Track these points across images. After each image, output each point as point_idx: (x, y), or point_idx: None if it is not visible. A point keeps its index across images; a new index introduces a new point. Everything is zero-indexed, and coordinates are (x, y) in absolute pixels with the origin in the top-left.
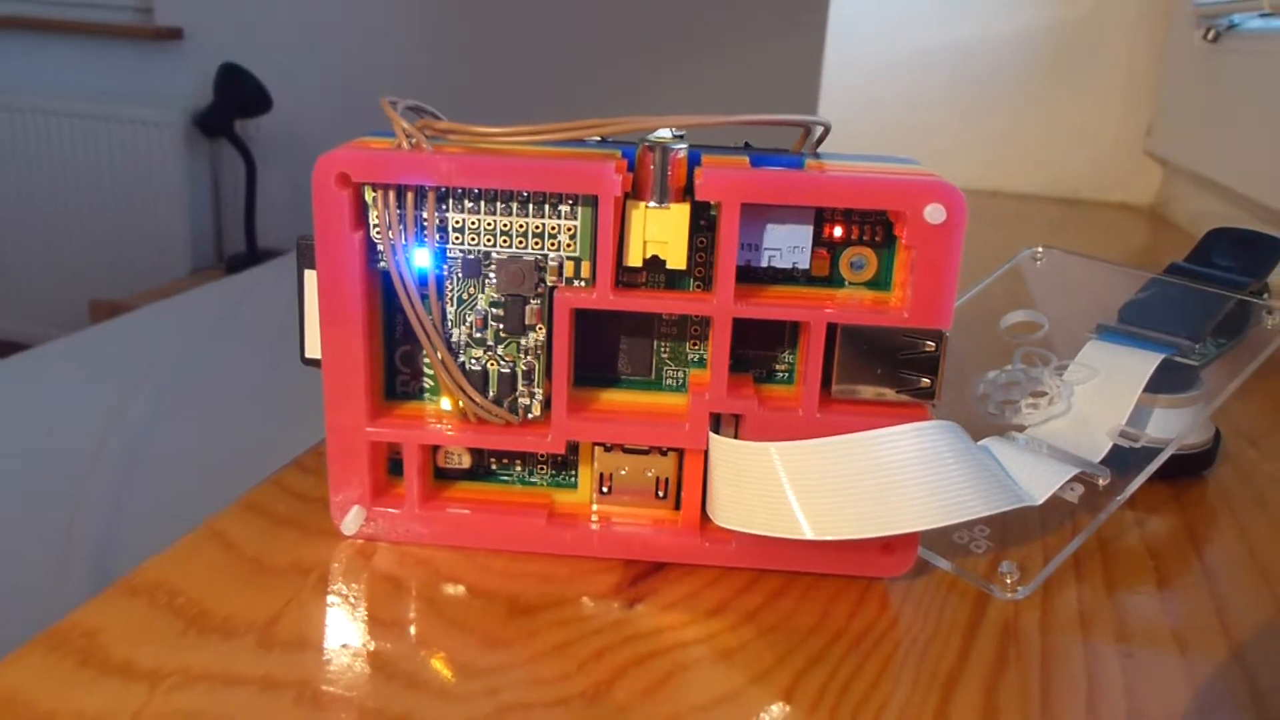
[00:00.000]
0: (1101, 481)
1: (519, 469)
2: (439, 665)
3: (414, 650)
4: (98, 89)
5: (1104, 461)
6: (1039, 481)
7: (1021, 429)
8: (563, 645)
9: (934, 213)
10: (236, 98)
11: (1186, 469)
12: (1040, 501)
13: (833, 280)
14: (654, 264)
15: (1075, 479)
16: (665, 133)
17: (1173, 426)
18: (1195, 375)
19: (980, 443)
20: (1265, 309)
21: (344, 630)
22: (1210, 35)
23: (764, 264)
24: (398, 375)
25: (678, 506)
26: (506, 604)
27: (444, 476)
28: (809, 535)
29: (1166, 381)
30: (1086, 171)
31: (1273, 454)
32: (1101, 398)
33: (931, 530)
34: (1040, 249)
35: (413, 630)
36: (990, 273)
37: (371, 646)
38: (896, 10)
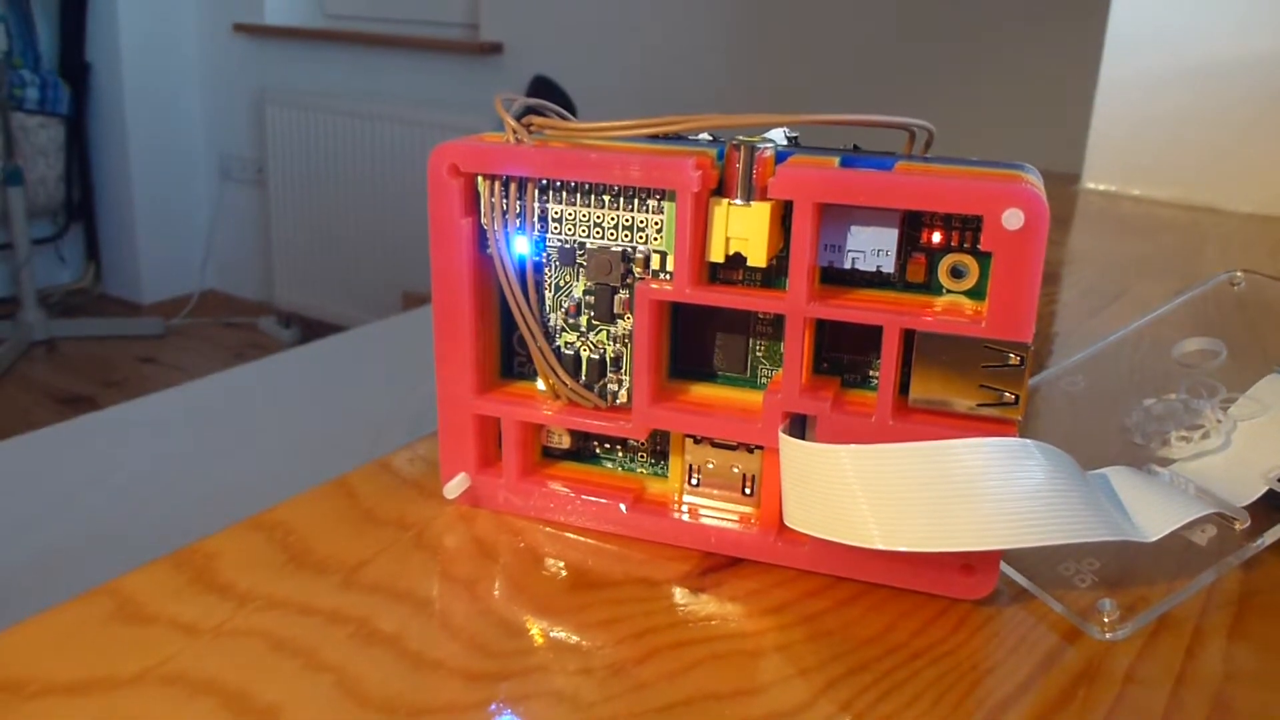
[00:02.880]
0: (1239, 525)
1: (620, 455)
2: (485, 623)
3: (468, 606)
4: (426, 98)
5: (1266, 505)
6: (1159, 517)
7: (1168, 462)
8: (609, 621)
9: (1012, 218)
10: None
11: None
12: (1153, 539)
13: (930, 287)
14: (741, 261)
15: (1209, 520)
16: (779, 132)
17: None
18: None
19: (1100, 470)
20: None
21: (417, 581)
22: None
23: (847, 265)
24: (515, 357)
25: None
26: (574, 577)
27: (551, 455)
28: (878, 544)
29: None
30: None
31: None
32: (1266, 437)
33: (1036, 558)
34: (1240, 273)
35: (477, 590)
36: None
37: (434, 598)
38: (1184, 20)
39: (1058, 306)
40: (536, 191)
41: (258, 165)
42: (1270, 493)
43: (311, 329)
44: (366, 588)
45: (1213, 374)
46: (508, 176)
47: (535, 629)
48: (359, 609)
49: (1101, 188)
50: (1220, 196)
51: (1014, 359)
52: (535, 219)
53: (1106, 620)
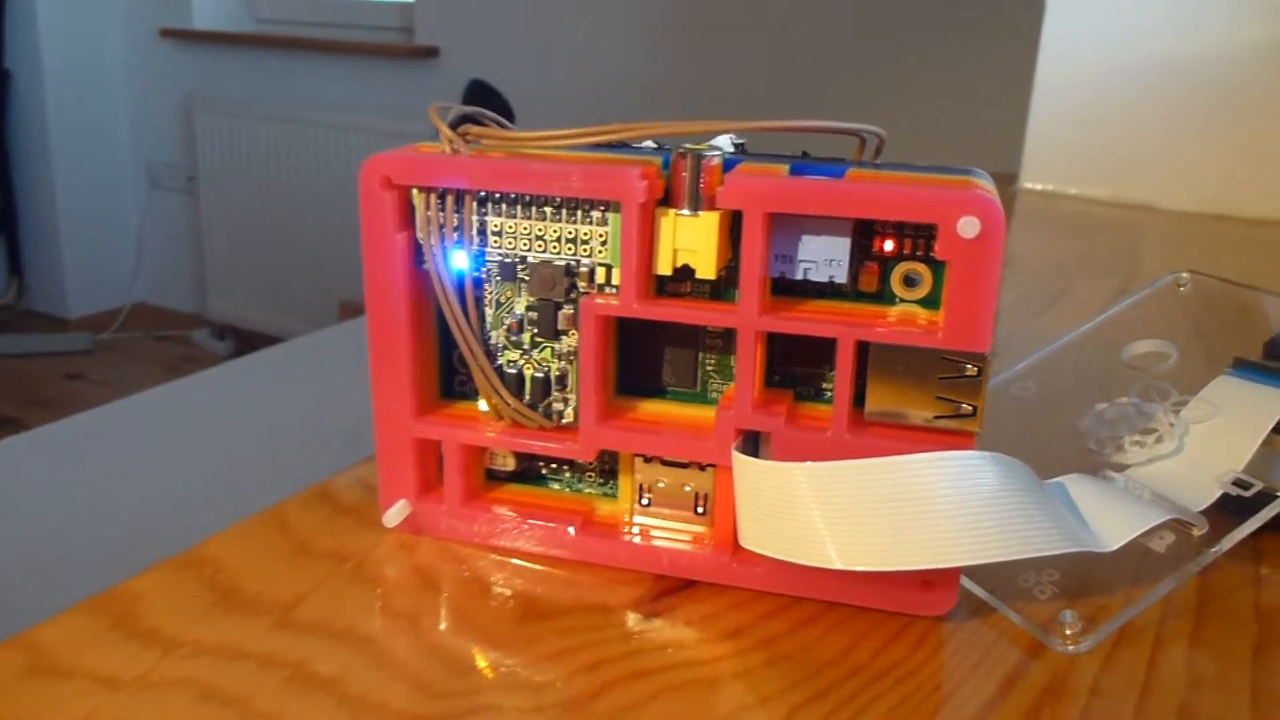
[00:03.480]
0: (1196, 531)
1: (568, 475)
2: (430, 661)
3: (413, 643)
4: (361, 103)
5: (1222, 510)
6: (1117, 526)
7: (1122, 468)
8: (560, 653)
9: (967, 226)
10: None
11: None
12: (1112, 548)
13: (883, 296)
14: (690, 273)
15: (1167, 527)
16: (726, 139)
17: None
18: None
19: (1057, 479)
20: None
21: (356, 617)
22: None
23: (799, 276)
24: (456, 376)
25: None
26: (523, 607)
27: (495, 478)
28: (836, 564)
29: None
30: None
31: None
32: (1219, 439)
33: (994, 570)
34: (1186, 273)
35: (420, 625)
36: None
37: (375, 635)
38: (1121, 21)
39: (1000, 309)
40: (475, 204)
41: (188, 173)
42: (1225, 496)
43: (247, 341)
44: (302, 627)
45: (1163, 376)
46: (444, 189)
47: (483, 664)
48: (295, 651)
49: (1039, 187)
50: (1155, 194)
51: (971, 370)
52: (474, 233)
53: (1069, 632)
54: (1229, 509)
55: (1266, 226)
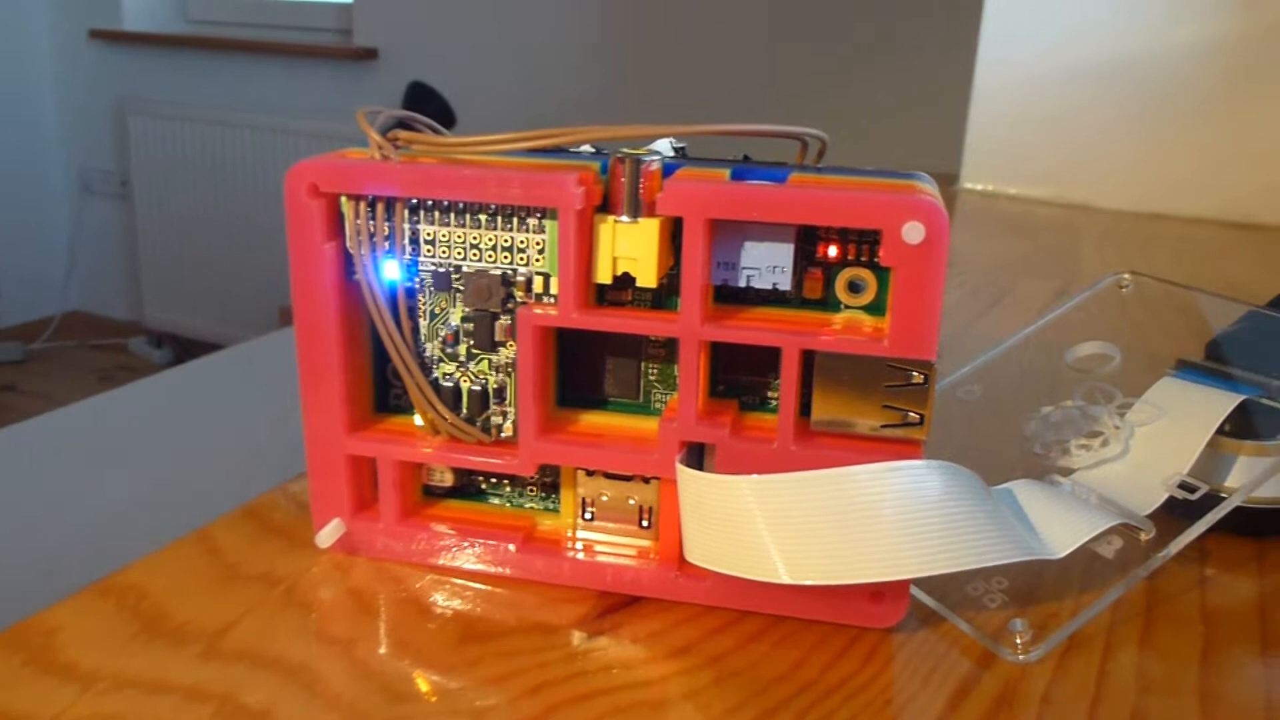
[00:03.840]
0: (1144, 536)
1: (508, 490)
2: (366, 688)
3: (348, 670)
4: (298, 106)
5: (1168, 513)
6: (1066, 532)
7: (1068, 472)
8: (503, 676)
9: (912, 231)
10: (423, 113)
11: (1278, 526)
12: (1060, 555)
13: (827, 303)
14: (630, 281)
15: (1115, 532)
16: (665, 143)
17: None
18: None
19: (1005, 485)
20: None
21: (288, 644)
22: None
23: (742, 284)
24: (390, 389)
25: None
26: (463, 628)
27: (433, 494)
28: (784, 579)
29: (1256, 426)
30: (1261, 194)
31: None
32: (1164, 441)
33: (943, 579)
34: (1128, 275)
35: (356, 651)
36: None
37: (308, 663)
38: (1058, 21)
39: (944, 310)
40: (406, 212)
41: (121, 178)
42: (1171, 499)
43: (186, 348)
44: (231, 656)
45: (1107, 378)
46: (374, 196)
47: (423, 690)
48: (222, 682)
49: (980, 187)
50: (1093, 194)
51: (918, 377)
52: (405, 242)
53: (1019, 641)
54: (1175, 511)
55: (1201, 225)
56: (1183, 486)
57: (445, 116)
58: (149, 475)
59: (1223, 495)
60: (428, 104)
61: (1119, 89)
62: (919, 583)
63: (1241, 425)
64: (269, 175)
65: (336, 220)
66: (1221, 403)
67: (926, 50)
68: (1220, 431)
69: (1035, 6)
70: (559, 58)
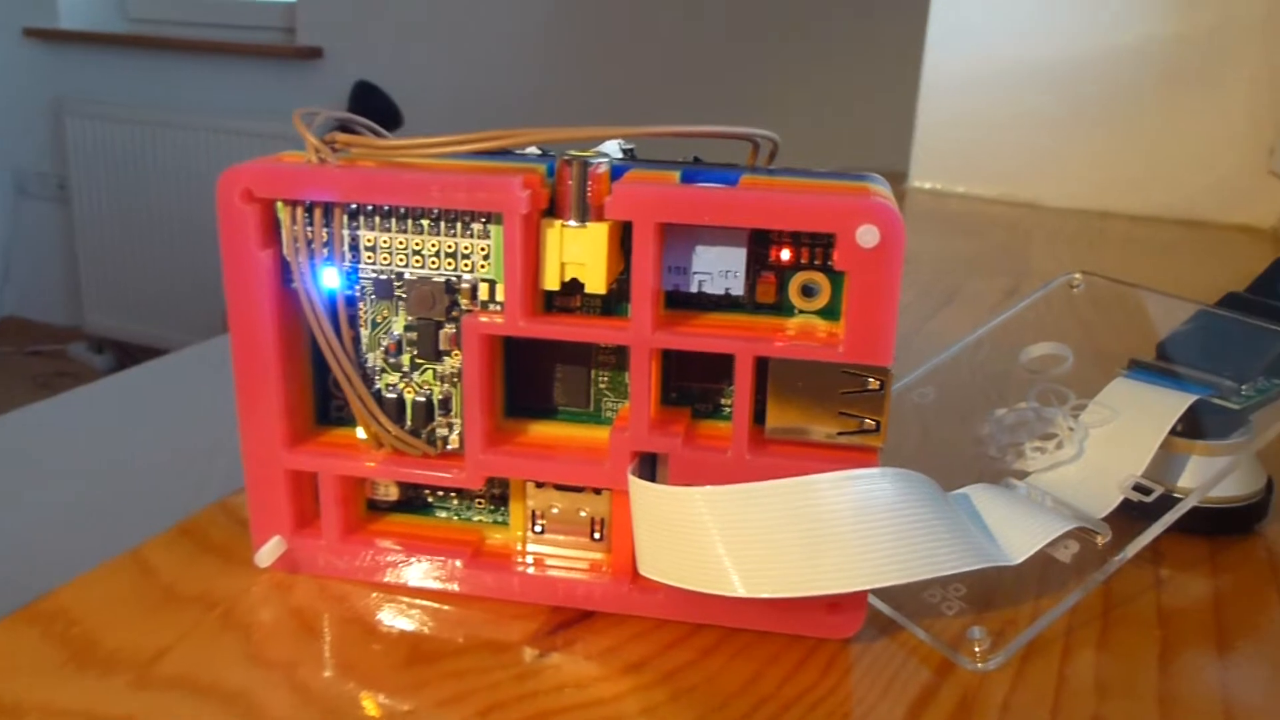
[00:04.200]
0: (1100, 539)
1: (455, 503)
2: (309, 713)
3: (290, 695)
4: (241, 106)
5: (1123, 514)
6: (1023, 538)
7: (1023, 475)
8: (451, 698)
9: (866, 235)
10: (369, 113)
11: (1231, 524)
12: (1017, 561)
13: (780, 307)
14: (579, 287)
15: (1071, 536)
16: (613, 145)
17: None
18: (1241, 419)
19: (961, 490)
20: None
21: (226, 669)
22: None
23: (694, 289)
24: (332, 401)
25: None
26: (409, 649)
27: (377, 509)
28: (740, 592)
29: (1208, 426)
30: (1206, 192)
31: None
32: (1118, 443)
33: (900, 586)
34: (1079, 275)
35: (298, 674)
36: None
37: (247, 689)
38: (1003, 21)
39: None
40: (345, 217)
41: (58, 181)
42: (1126, 501)
43: (128, 354)
44: (165, 683)
45: (1060, 379)
46: (311, 202)
47: (369, 714)
48: (157, 711)
49: (928, 186)
50: (1040, 192)
51: (873, 383)
52: (345, 248)
53: (978, 650)
54: (1130, 514)
55: (1148, 223)
56: (1137, 488)
57: (392, 117)
58: (83, 490)
59: (1177, 496)
60: (374, 104)
61: (1065, 88)
62: (876, 590)
63: (1193, 425)
64: (212, 177)
65: (272, 226)
66: (1174, 403)
67: (874, 49)
68: (1173, 432)
69: (980, 6)
70: (508, 58)
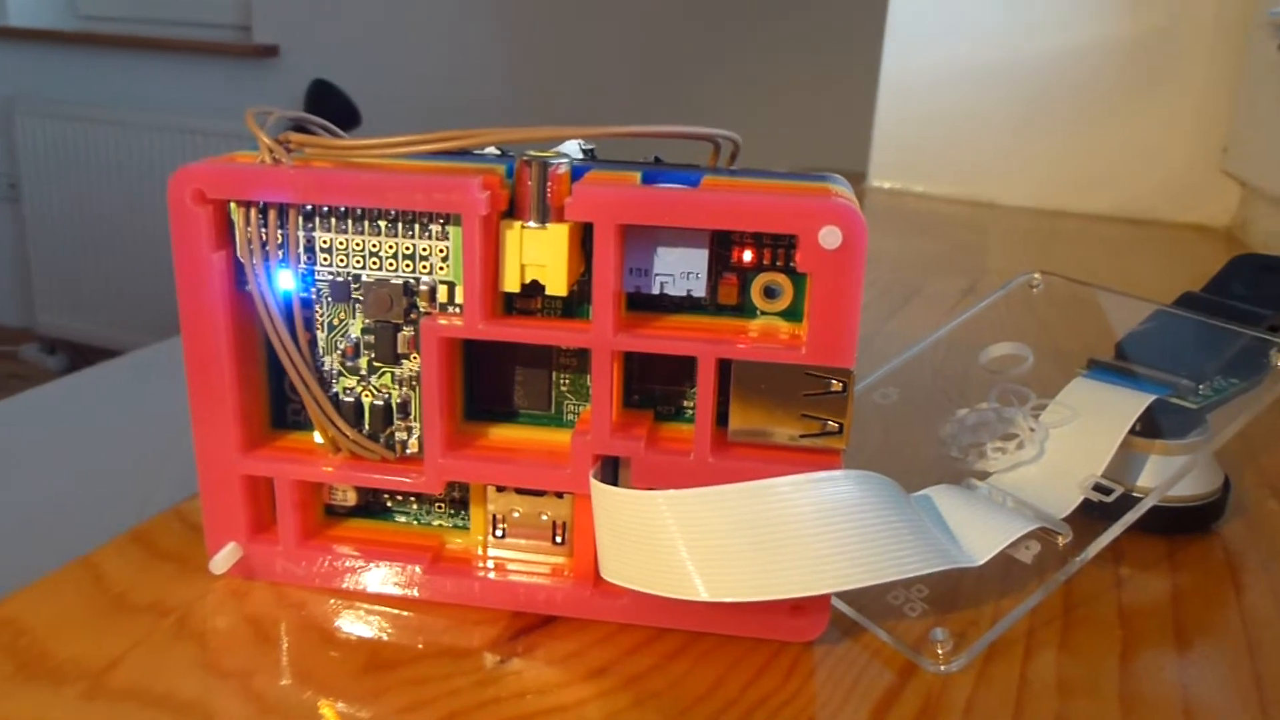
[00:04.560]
0: (1062, 540)
1: (415, 508)
2: None
3: (245, 705)
4: (196, 105)
5: (1084, 514)
6: (985, 538)
7: (985, 475)
8: (410, 706)
9: (829, 236)
10: (327, 113)
11: (1188, 523)
12: (980, 563)
13: (743, 309)
14: (539, 289)
15: (1033, 536)
16: (573, 145)
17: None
18: (1199, 419)
19: (924, 491)
20: (1275, 347)
21: (179, 679)
22: None
23: (655, 290)
24: (288, 404)
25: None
26: (367, 657)
27: (335, 514)
28: (704, 596)
29: (1166, 425)
30: (1159, 191)
31: None
32: (1078, 443)
33: (864, 588)
34: (1038, 275)
35: (254, 683)
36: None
37: (202, 699)
38: (959, 22)
39: None
40: (300, 219)
41: (9, 180)
42: (1086, 500)
43: (82, 355)
44: (117, 694)
45: (1020, 379)
46: (265, 203)
47: None
48: None
49: (887, 185)
50: (998, 192)
51: (836, 385)
52: (300, 250)
53: (940, 651)
54: (1091, 513)
55: (1101, 222)
56: (1097, 488)
57: (349, 117)
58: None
59: (1136, 495)
60: (331, 104)
61: (1021, 89)
62: (840, 593)
63: (1152, 425)
64: (165, 177)
65: (226, 228)
66: (1132, 403)
67: (833, 50)
68: (1131, 431)
69: (937, 8)
70: (467, 57)
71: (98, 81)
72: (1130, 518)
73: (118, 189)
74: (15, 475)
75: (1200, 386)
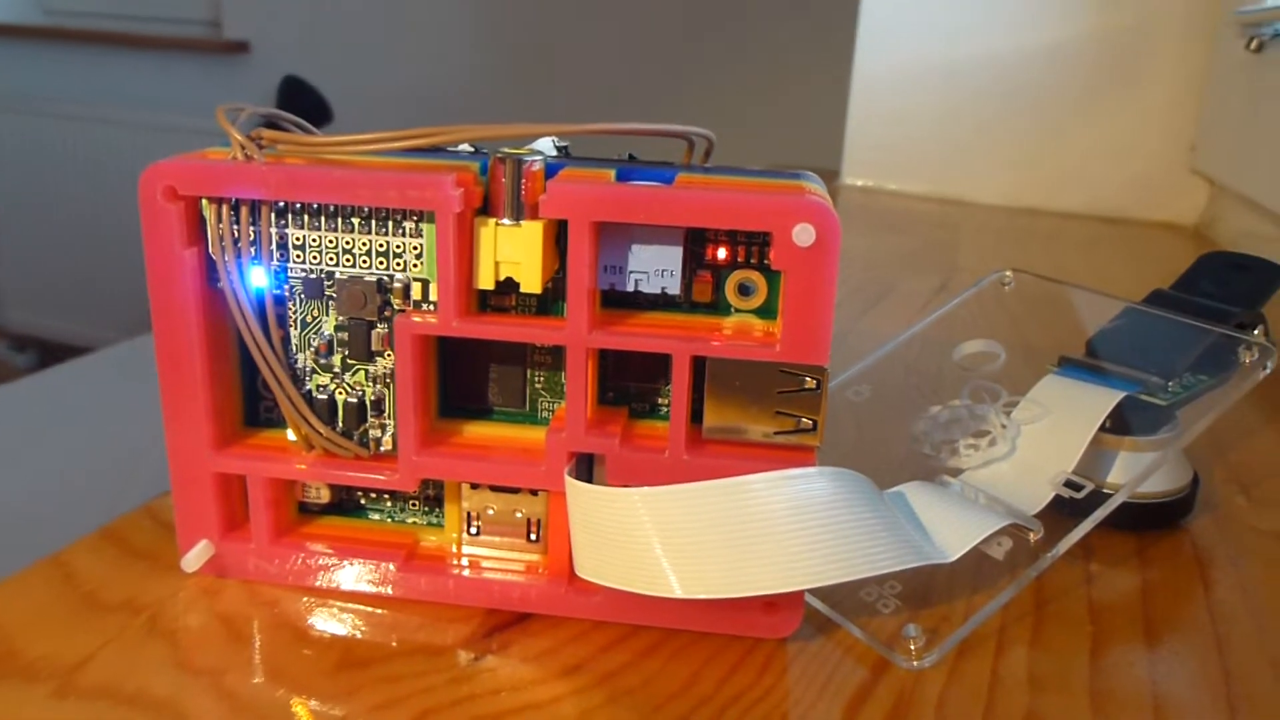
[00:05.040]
0: (1033, 536)
1: (389, 505)
2: None
3: (218, 704)
4: (166, 101)
5: (1055, 510)
6: (957, 535)
7: (957, 472)
8: (383, 704)
9: (802, 234)
10: (298, 109)
11: (1158, 519)
12: (953, 559)
13: (717, 306)
14: (514, 286)
15: (1005, 532)
16: (547, 142)
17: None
18: (1169, 415)
19: (897, 488)
20: (1244, 344)
21: (151, 677)
22: (1254, 45)
23: (630, 288)
24: (261, 402)
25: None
26: (341, 654)
27: (308, 511)
28: (678, 593)
29: (1137, 422)
30: (1128, 189)
31: (1265, 502)
32: (1049, 440)
33: (837, 585)
34: (1009, 272)
35: (227, 681)
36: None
37: (173, 697)
38: (929, 21)
39: None
40: (273, 216)
41: None
42: (1057, 497)
43: (51, 352)
44: (88, 693)
45: (992, 377)
46: (237, 199)
47: None
48: None
49: (860, 183)
50: (968, 189)
51: (810, 382)
52: (273, 247)
53: (913, 648)
54: (1062, 510)
55: (1071, 220)
56: (1068, 485)
57: (321, 114)
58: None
59: (1106, 492)
60: (302, 101)
61: (992, 87)
62: (813, 589)
63: (1122, 422)
64: (134, 173)
65: (197, 224)
66: (1103, 400)
67: (805, 48)
68: (1102, 428)
69: (909, 5)
70: (440, 54)
71: (66, 77)
72: (1101, 514)
73: (86, 185)
74: None
75: (1170, 383)
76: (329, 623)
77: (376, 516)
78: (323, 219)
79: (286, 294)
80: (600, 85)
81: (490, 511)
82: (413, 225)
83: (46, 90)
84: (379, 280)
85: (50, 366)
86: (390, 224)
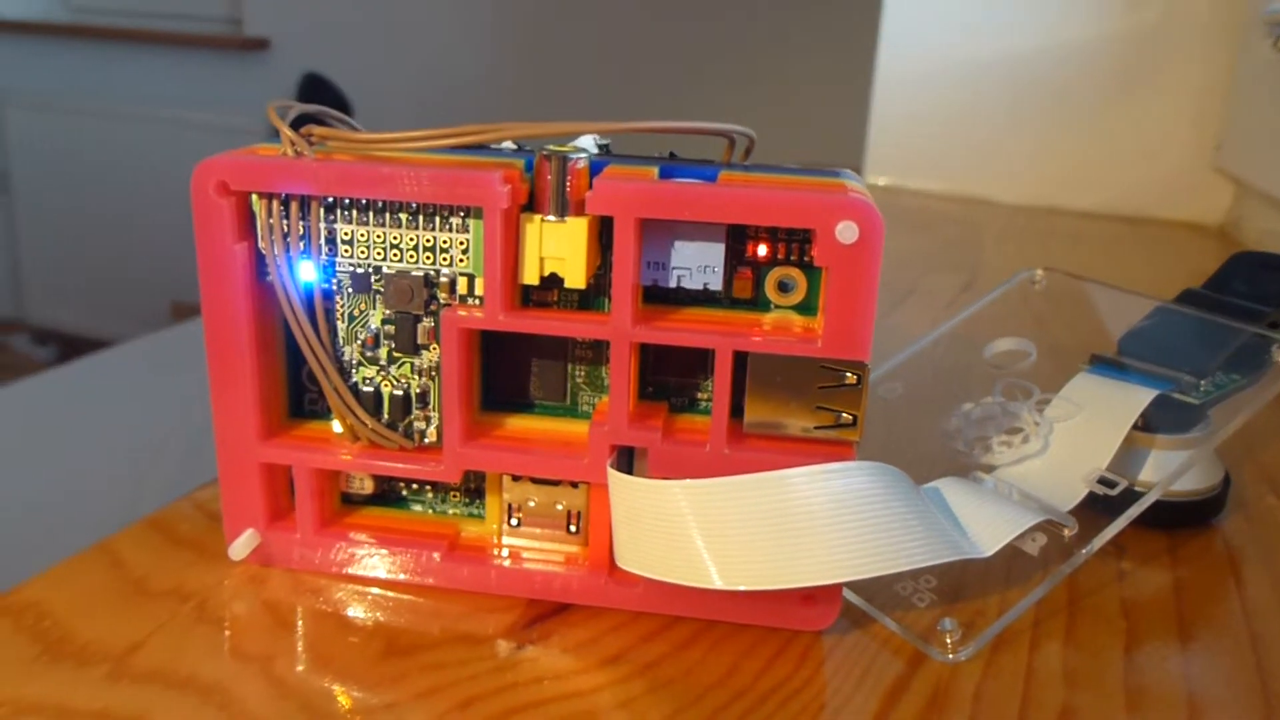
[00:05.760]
0: (1067, 532)
1: (430, 496)
2: (285, 708)
3: (264, 689)
4: (187, 97)
5: (1088, 508)
6: (993, 530)
7: (991, 469)
8: (428, 691)
9: (846, 231)
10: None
11: (1189, 518)
12: (988, 554)
13: (758, 303)
14: (557, 281)
15: (1039, 529)
16: (588, 139)
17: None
18: (1201, 414)
19: (932, 484)
20: (1276, 344)
21: (201, 662)
22: None
23: (672, 284)
24: (305, 393)
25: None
26: (385, 642)
27: (352, 502)
28: (718, 584)
29: (1169, 420)
30: (1152, 189)
31: None
32: (1083, 437)
33: (872, 578)
34: (1040, 271)
35: (274, 668)
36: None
37: (223, 682)
38: (953, 20)
39: None
40: (322, 211)
41: (0, 172)
42: (1091, 494)
43: (72, 346)
44: (140, 677)
45: (1024, 374)
46: (287, 195)
47: (345, 708)
48: (132, 705)
49: (882, 182)
50: (992, 188)
51: (851, 378)
52: (322, 242)
53: (949, 641)
54: (1095, 507)
55: (1094, 219)
56: (1102, 482)
57: (341, 110)
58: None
59: (1139, 490)
60: (322, 97)
61: (1016, 86)
62: (848, 583)
63: (1154, 420)
64: (156, 168)
65: (247, 219)
66: (1136, 398)
67: (829, 46)
68: (1135, 427)
69: (933, 4)
70: (460, 50)
71: (88, 74)
72: (1134, 511)
73: (108, 181)
74: (13, 463)
75: (1202, 382)
76: (372, 611)
77: (418, 507)
78: (371, 214)
79: (334, 288)
80: (619, 85)
81: (531, 504)
82: (459, 221)
83: (69, 86)
84: (426, 275)
85: (71, 360)
86: (437, 220)
